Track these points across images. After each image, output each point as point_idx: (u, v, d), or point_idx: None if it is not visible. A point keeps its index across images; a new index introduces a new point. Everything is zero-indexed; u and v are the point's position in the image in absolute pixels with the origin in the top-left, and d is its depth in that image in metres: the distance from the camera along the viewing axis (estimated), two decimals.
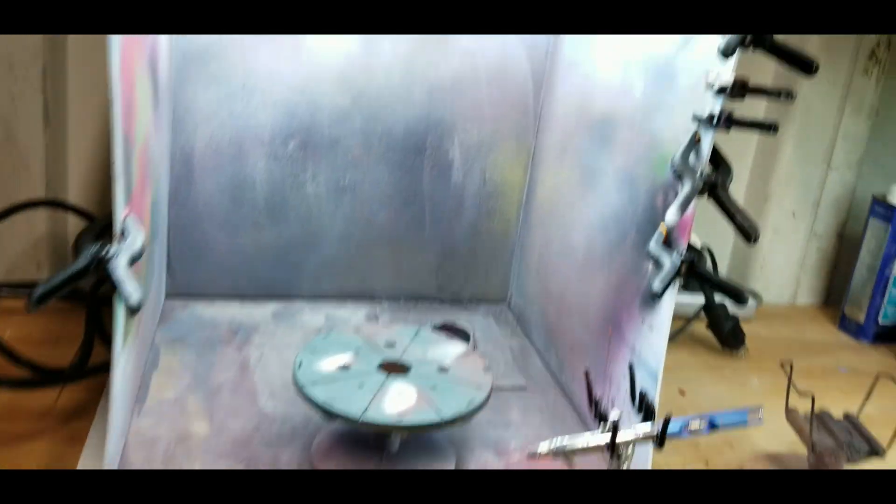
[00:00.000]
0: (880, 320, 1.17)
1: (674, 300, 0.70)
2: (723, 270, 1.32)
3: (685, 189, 0.66)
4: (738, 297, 0.67)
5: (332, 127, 1.02)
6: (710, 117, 0.65)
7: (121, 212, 0.56)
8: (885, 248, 1.14)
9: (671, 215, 0.65)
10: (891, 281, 1.15)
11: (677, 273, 0.67)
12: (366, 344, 0.81)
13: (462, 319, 1.10)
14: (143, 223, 0.66)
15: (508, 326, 1.10)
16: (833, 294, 1.31)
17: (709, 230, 1.28)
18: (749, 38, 0.62)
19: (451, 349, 0.82)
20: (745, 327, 1.20)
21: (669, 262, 0.68)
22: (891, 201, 1.14)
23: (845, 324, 1.22)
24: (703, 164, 0.67)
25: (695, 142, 0.67)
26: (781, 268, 1.29)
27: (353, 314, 1.07)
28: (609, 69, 0.87)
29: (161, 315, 1.00)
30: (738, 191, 1.28)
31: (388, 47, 1.00)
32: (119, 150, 0.55)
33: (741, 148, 1.25)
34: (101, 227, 0.84)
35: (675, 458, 0.85)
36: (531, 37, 1.04)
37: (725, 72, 0.64)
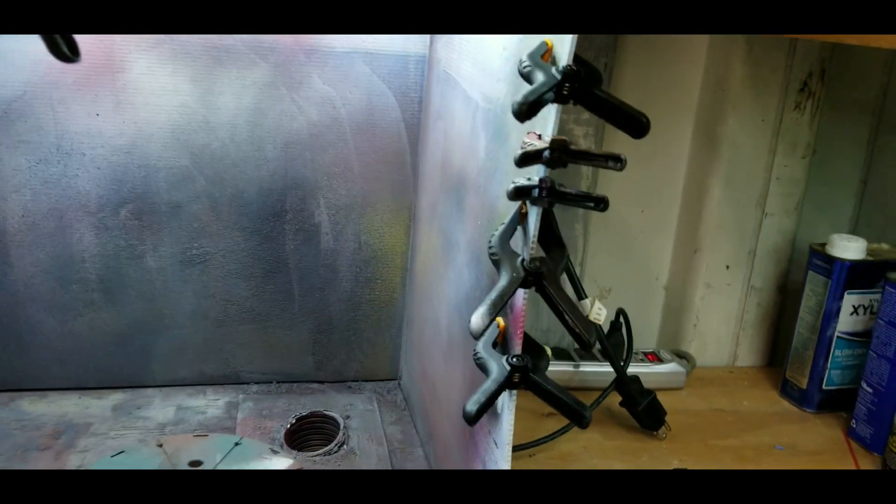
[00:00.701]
0: (824, 386, 1.02)
1: (513, 414, 0.56)
2: (653, 331, 1.18)
3: (501, 282, 0.51)
4: (576, 417, 0.53)
5: (172, 191, 0.88)
6: (530, 188, 0.51)
7: None
8: (825, 305, 1.00)
9: (476, 320, 0.50)
10: (833, 342, 1.00)
11: (504, 385, 0.52)
12: (166, 463, 0.66)
13: (341, 403, 0.95)
14: None
15: (395, 410, 0.96)
16: (777, 353, 1.17)
17: (636, 282, 1.14)
18: (567, 90, 0.48)
19: (271, 463, 0.68)
20: (675, 398, 1.06)
21: (497, 368, 0.54)
22: (830, 252, 0.99)
23: (787, 389, 1.07)
24: (528, 245, 0.52)
25: (519, 218, 0.53)
26: (717, 327, 1.14)
27: (211, 403, 0.93)
28: (461, 121, 0.73)
29: None
30: (665, 242, 1.14)
31: (229, 99, 0.87)
32: None
33: (668, 192, 1.11)
34: None
35: None
36: (400, 82, 0.90)
37: (541, 133, 0.50)
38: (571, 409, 0.52)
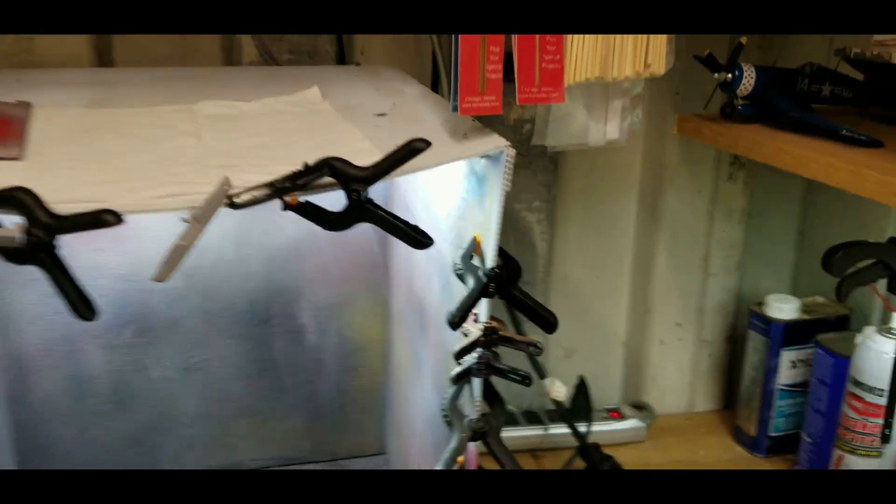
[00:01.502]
0: (771, 433, 1.13)
1: None
2: (616, 384, 1.28)
3: (452, 443, 0.62)
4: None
5: (169, 309, 0.98)
6: (470, 369, 0.61)
7: None
8: (766, 361, 1.11)
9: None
10: (775, 393, 1.11)
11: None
12: None
13: None
14: None
15: None
16: (732, 396, 1.28)
17: (597, 341, 1.25)
18: (492, 289, 0.58)
19: None
20: (637, 451, 1.16)
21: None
22: (767, 313, 1.10)
23: (739, 436, 1.18)
24: (472, 409, 0.63)
25: (460, 388, 0.64)
26: (673, 378, 1.25)
27: None
28: (419, 254, 0.83)
29: None
30: (620, 303, 1.25)
31: (214, 224, 0.97)
32: None
33: (618, 258, 1.22)
34: None
35: None
36: (372, 189, 1.00)
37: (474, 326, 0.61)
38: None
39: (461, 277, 0.63)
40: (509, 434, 1.15)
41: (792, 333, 1.09)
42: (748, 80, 0.85)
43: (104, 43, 0.96)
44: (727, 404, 1.28)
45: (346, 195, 0.54)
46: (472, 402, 0.63)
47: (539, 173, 1.13)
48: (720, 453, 1.17)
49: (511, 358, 0.67)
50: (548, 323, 0.61)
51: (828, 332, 1.06)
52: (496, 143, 0.58)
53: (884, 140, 0.78)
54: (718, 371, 1.27)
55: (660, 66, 0.58)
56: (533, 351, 0.62)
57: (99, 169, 0.60)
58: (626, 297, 1.24)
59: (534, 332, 1.12)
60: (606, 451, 1.09)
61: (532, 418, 1.17)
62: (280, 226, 0.99)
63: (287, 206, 0.54)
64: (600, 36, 0.56)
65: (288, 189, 0.51)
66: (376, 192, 0.74)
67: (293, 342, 1.04)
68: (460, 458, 0.66)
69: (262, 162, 0.60)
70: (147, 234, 0.94)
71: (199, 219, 0.50)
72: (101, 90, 0.84)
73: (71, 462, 1.00)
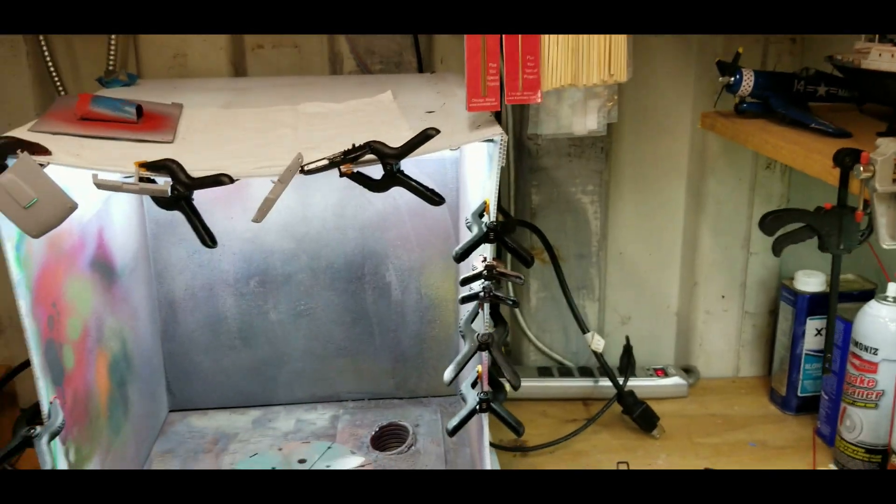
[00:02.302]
0: (800, 393, 1.26)
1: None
2: (669, 350, 1.45)
3: (464, 349, 0.83)
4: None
5: (284, 266, 1.25)
6: (477, 294, 0.83)
7: (44, 402, 0.80)
8: (793, 329, 1.24)
9: (447, 373, 0.82)
10: (802, 358, 1.24)
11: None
12: (283, 462, 1.02)
13: (413, 415, 1.29)
14: (80, 394, 0.90)
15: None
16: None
17: (651, 311, 1.42)
18: (492, 236, 0.79)
19: (350, 462, 1.02)
20: (678, 405, 1.33)
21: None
22: (795, 287, 1.24)
23: (773, 396, 1.31)
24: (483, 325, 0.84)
25: (475, 311, 0.85)
26: (719, 345, 1.40)
27: (320, 416, 1.29)
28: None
29: (162, 428, 1.25)
30: (672, 277, 1.41)
31: (319, 199, 1.23)
32: (36, 359, 0.79)
33: (669, 237, 1.38)
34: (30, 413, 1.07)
35: None
36: (441, 177, 1.23)
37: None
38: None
39: (469, 228, 0.84)
40: (565, 384, 1.35)
41: (816, 304, 1.22)
42: (747, 82, 1.01)
43: (239, 58, 1.23)
44: (770, 370, 1.41)
45: (383, 167, 0.77)
46: (482, 322, 0.84)
47: (591, 161, 1.31)
48: (753, 410, 1.31)
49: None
50: (525, 261, 0.81)
51: (850, 303, 1.19)
52: (494, 131, 0.79)
53: (861, 132, 0.92)
54: (762, 340, 1.40)
55: (622, 74, 0.77)
56: (516, 280, 0.82)
57: (223, 149, 0.86)
58: (675, 272, 1.41)
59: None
60: (651, 404, 1.25)
61: (584, 371, 1.36)
62: (371, 201, 1.23)
63: (343, 174, 0.77)
64: (570, 51, 0.76)
65: (341, 162, 0.74)
66: (444, 172, 0.96)
67: (381, 297, 1.28)
68: (480, 369, 0.88)
69: (333, 145, 0.84)
70: None
71: (282, 180, 0.74)
72: (233, 95, 1.11)
73: (206, 385, 1.28)
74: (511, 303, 0.83)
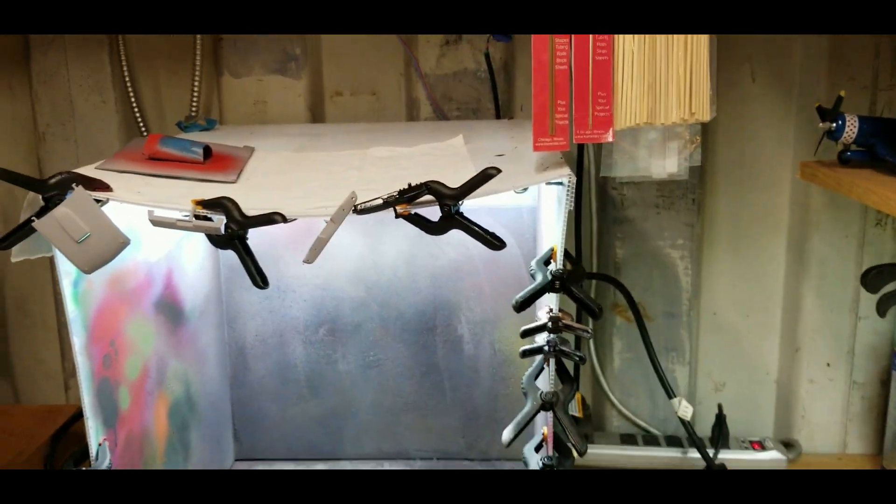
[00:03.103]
0: None
1: None
2: (767, 420, 1.33)
3: (526, 407, 0.77)
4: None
5: (354, 314, 1.22)
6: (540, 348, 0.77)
7: (93, 442, 0.78)
8: None
9: (506, 434, 0.76)
10: None
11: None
12: None
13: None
14: (135, 436, 0.89)
15: None
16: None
17: (747, 377, 1.31)
18: (558, 285, 0.73)
19: None
20: None
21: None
22: None
23: None
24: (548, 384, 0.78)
25: (539, 367, 0.79)
26: (823, 417, 1.27)
27: None
28: None
29: None
30: (771, 342, 1.30)
31: (391, 247, 1.19)
32: (87, 398, 0.78)
33: (768, 299, 1.28)
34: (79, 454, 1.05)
35: None
36: (517, 226, 1.18)
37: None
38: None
39: (533, 276, 0.78)
40: (650, 454, 1.25)
41: None
42: (851, 128, 0.92)
43: (317, 104, 1.23)
44: (882, 447, 1.27)
45: (440, 208, 0.72)
46: (548, 379, 0.78)
47: (682, 213, 1.23)
48: None
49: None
50: (593, 312, 0.74)
51: None
52: (561, 173, 0.74)
53: None
54: (872, 413, 1.27)
55: (704, 113, 0.71)
56: (582, 334, 0.75)
57: (286, 191, 0.84)
58: (775, 335, 1.30)
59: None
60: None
61: (672, 441, 1.26)
62: (443, 250, 1.19)
63: (398, 215, 0.73)
64: (646, 86, 0.70)
65: (396, 202, 0.71)
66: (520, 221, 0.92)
67: (453, 350, 1.23)
68: (545, 431, 0.81)
69: (395, 186, 0.81)
70: (338, 254, 1.20)
71: (335, 220, 0.71)
72: (307, 140, 1.10)
73: (273, 434, 1.25)
74: (577, 359, 0.76)
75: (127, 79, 1.18)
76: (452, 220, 0.73)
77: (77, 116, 1.20)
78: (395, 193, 0.71)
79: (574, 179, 0.73)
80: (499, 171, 0.71)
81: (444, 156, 0.95)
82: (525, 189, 0.79)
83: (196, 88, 1.18)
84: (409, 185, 0.72)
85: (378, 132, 1.14)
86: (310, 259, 0.73)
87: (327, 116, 1.24)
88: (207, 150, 0.89)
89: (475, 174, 0.72)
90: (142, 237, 0.92)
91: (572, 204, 0.75)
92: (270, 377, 1.24)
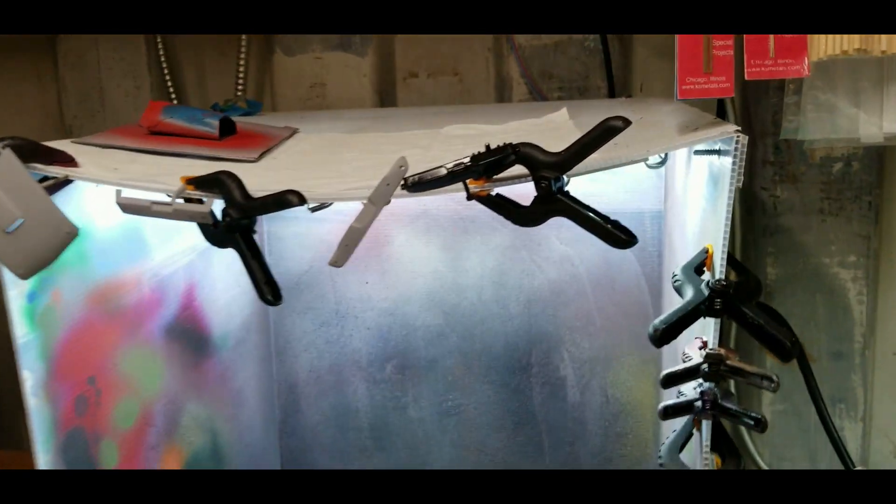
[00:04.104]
0: None
1: None
2: None
3: None
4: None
5: (428, 347, 0.98)
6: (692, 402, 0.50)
7: None
8: None
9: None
10: None
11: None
12: None
13: None
14: None
15: None
16: None
17: None
18: (718, 304, 0.47)
19: None
20: None
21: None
22: None
23: None
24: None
25: (686, 432, 0.52)
26: None
27: None
28: None
29: None
30: None
31: (475, 262, 0.95)
32: (43, 457, 0.56)
33: None
34: None
35: None
36: (638, 234, 0.91)
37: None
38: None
39: (679, 290, 0.52)
40: None
41: None
42: None
43: (387, 87, 1.01)
44: None
45: (535, 184, 0.47)
46: (699, 452, 0.51)
47: (854, 221, 0.94)
48: None
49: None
50: (782, 348, 0.47)
51: None
52: (724, 129, 0.48)
53: None
54: None
55: None
56: (766, 385, 0.48)
57: (315, 171, 0.61)
58: None
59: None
60: None
61: None
62: (541, 267, 0.94)
63: (471, 196, 0.48)
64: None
65: (464, 172, 0.46)
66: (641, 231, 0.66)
67: (552, 396, 0.97)
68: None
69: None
70: (412, 269, 0.96)
71: (374, 200, 0.47)
72: (370, 123, 0.87)
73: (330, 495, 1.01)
74: (752, 423, 0.49)
75: (163, 60, 0.98)
76: (554, 201, 0.48)
77: (107, 107, 1.02)
78: (464, 160, 0.47)
79: (745, 140, 0.47)
80: (626, 121, 0.45)
81: (543, 131, 0.70)
82: (662, 161, 0.53)
83: (241, 68, 0.97)
84: (488, 146, 0.47)
85: (461, 114, 0.90)
86: (338, 260, 0.49)
87: (399, 102, 1.01)
88: (227, 124, 0.67)
89: (588, 131, 0.47)
90: (148, 239, 0.71)
91: (740, 179, 0.48)
92: (326, 424, 1.01)
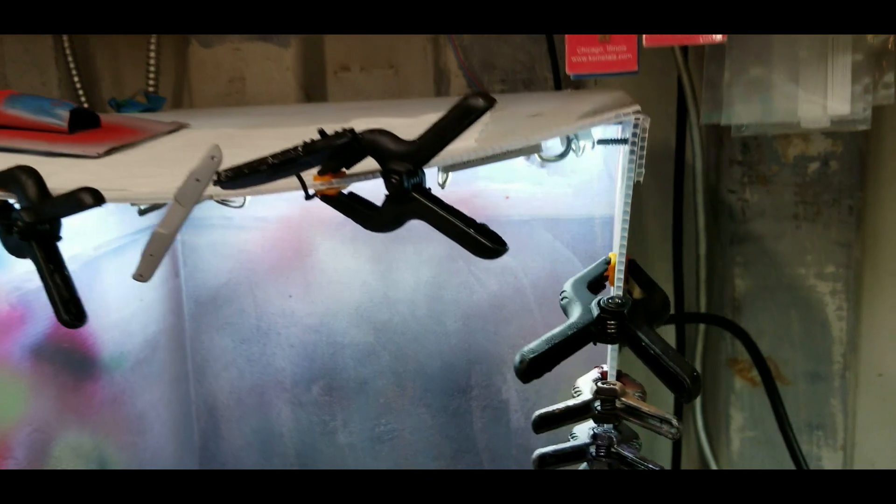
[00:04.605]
0: None
1: None
2: None
3: None
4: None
5: (358, 367, 0.88)
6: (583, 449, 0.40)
7: None
8: None
9: None
10: None
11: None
12: None
13: None
14: None
15: None
16: None
17: None
18: (612, 328, 0.38)
19: None
20: None
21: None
22: None
23: None
24: None
25: None
26: None
27: None
28: None
29: None
30: None
31: (408, 274, 0.85)
32: None
33: None
34: None
35: None
36: (587, 247, 0.82)
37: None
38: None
39: (565, 310, 0.42)
40: None
41: None
42: None
43: (314, 81, 0.92)
44: None
45: (385, 179, 0.38)
46: None
47: (832, 228, 0.84)
48: None
49: None
50: (680, 385, 0.37)
51: None
52: (620, 112, 0.38)
53: None
54: None
55: None
56: (665, 431, 0.38)
57: (160, 168, 0.52)
58: None
59: None
60: None
61: None
62: (480, 279, 0.85)
63: (311, 195, 0.39)
64: None
65: (292, 163, 0.37)
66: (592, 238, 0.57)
67: (495, 421, 0.87)
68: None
69: None
70: (339, 281, 0.87)
71: (182, 200, 0.38)
72: (279, 119, 0.78)
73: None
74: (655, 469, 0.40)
75: (68, 54, 0.89)
76: (407, 200, 0.38)
77: None
78: (296, 148, 0.38)
79: (647, 121, 0.38)
80: (489, 100, 0.36)
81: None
82: (563, 154, 0.44)
83: (152, 61, 0.88)
84: (322, 132, 0.38)
85: (389, 108, 0.81)
86: (143, 273, 0.40)
87: (330, 98, 0.92)
88: (85, 116, 0.58)
89: (445, 113, 0.37)
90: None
91: (640, 173, 0.39)
92: (249, 450, 0.92)
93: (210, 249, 0.88)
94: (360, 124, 0.64)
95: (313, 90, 0.91)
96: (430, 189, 0.40)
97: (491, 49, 0.87)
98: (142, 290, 0.82)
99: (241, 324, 0.89)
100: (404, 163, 0.38)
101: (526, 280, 0.84)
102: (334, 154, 0.38)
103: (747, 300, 0.87)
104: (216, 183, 0.38)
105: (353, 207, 0.40)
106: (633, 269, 0.43)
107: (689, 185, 0.86)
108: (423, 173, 0.39)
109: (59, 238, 0.43)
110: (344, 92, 0.91)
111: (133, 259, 0.80)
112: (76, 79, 0.90)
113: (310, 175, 0.40)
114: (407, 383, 0.88)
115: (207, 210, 0.87)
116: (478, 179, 0.82)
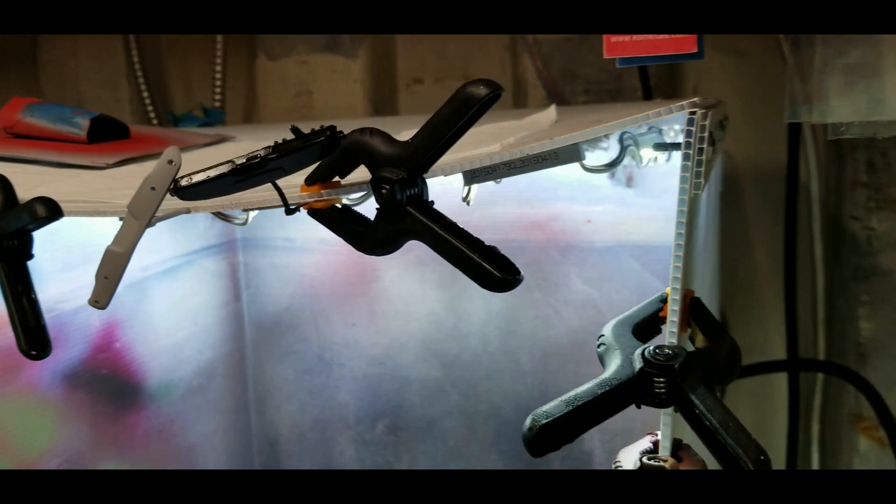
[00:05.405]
0: None
1: None
2: None
3: None
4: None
5: (425, 405, 0.81)
6: None
7: None
8: None
9: None
10: None
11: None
12: None
13: None
14: None
15: None
16: None
17: None
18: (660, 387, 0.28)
19: None
20: None
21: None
22: None
23: None
24: None
25: None
26: None
27: None
28: None
29: None
30: None
31: (478, 304, 0.78)
32: None
33: None
34: None
35: None
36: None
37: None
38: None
39: (602, 359, 0.33)
40: None
41: None
42: None
43: (385, 95, 0.86)
44: None
45: (374, 190, 0.31)
46: None
47: None
48: None
49: None
50: (733, 462, 0.28)
51: None
52: (673, 106, 0.29)
53: None
54: None
55: None
56: None
57: None
58: None
59: None
60: None
61: None
62: (559, 312, 0.76)
63: (294, 209, 0.32)
64: None
65: (258, 168, 0.30)
66: None
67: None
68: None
69: None
70: (405, 311, 0.80)
71: (136, 212, 0.32)
72: None
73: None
74: None
75: (137, 68, 0.88)
76: (400, 216, 0.31)
77: None
78: (266, 149, 0.31)
79: (704, 120, 0.28)
80: (493, 86, 0.28)
81: (513, 132, 0.53)
82: (613, 164, 0.35)
83: (219, 75, 0.85)
84: (296, 130, 0.31)
85: None
86: (100, 299, 0.34)
87: (402, 112, 0.86)
88: (109, 125, 0.54)
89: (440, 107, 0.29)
90: (43, 265, 0.59)
91: (700, 181, 0.30)
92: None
93: (272, 272, 0.83)
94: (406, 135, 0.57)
95: (383, 104, 0.86)
96: (432, 202, 0.32)
97: (573, 57, 0.78)
98: (196, 314, 0.78)
99: (304, 352, 0.84)
100: (396, 169, 0.30)
101: (610, 314, 0.73)
102: (321, 159, 0.31)
103: (874, 346, 0.74)
104: (174, 192, 0.32)
105: (344, 224, 0.33)
106: (697, 310, 0.34)
107: (803, 210, 0.74)
108: (424, 182, 0.31)
109: (29, 256, 0.38)
110: (416, 105, 0.85)
111: (187, 280, 0.76)
112: (146, 94, 0.88)
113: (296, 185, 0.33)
114: (478, 426, 0.80)
115: (270, 231, 0.82)
116: (556, 201, 0.74)
